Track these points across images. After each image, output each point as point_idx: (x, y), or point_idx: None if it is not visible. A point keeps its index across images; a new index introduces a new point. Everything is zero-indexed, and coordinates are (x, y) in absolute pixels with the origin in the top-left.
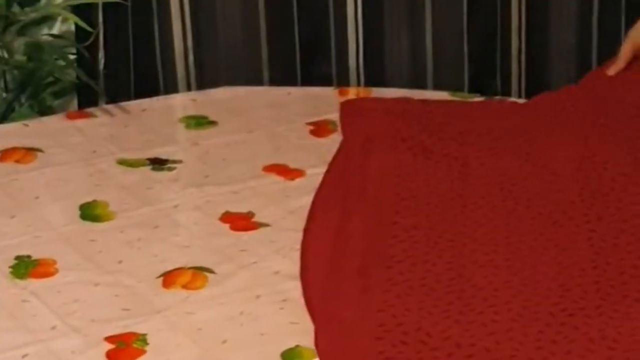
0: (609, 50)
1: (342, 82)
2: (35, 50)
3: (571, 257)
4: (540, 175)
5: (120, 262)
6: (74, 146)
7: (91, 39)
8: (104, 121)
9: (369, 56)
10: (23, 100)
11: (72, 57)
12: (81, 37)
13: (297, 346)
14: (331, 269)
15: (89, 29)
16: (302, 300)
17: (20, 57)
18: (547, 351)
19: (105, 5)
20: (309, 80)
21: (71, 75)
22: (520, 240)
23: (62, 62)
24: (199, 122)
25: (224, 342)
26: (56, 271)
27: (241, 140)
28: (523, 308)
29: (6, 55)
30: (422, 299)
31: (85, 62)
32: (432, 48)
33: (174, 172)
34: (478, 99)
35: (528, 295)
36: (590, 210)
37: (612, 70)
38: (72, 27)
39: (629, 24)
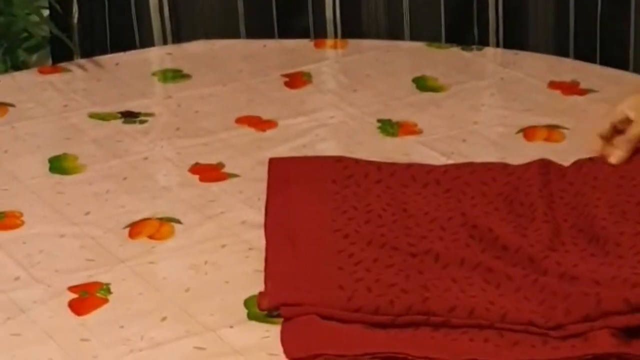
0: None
1: (319, 34)
2: (6, 4)
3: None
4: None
5: (87, 213)
6: (46, 101)
7: None
8: (77, 76)
9: (346, 8)
10: None
11: (45, 12)
12: None
13: (260, 293)
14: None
15: None
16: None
17: None
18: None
19: None
20: (286, 32)
21: (45, 30)
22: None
23: (35, 18)
24: (174, 75)
25: (187, 290)
26: (22, 223)
27: (215, 93)
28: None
29: None
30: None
31: (59, 17)
32: None
33: (145, 124)
34: (455, 48)
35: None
36: None
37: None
38: None
39: None
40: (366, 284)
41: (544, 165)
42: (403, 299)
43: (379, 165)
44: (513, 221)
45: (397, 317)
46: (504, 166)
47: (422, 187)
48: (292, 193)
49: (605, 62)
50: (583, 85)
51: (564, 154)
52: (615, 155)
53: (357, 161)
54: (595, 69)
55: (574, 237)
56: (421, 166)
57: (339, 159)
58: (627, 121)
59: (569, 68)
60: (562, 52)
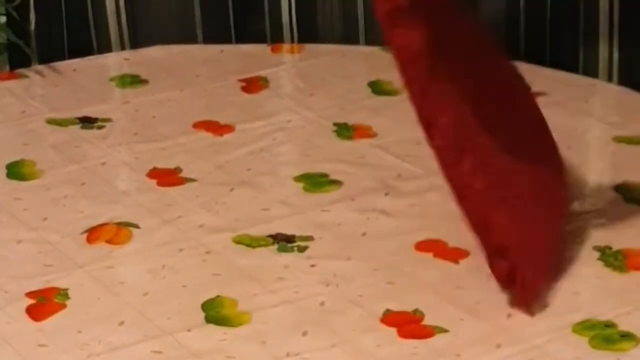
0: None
1: (276, 38)
2: None
3: None
4: None
5: (45, 219)
6: (4, 107)
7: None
8: (34, 82)
9: (302, 12)
10: None
11: (1, 18)
12: None
13: (217, 296)
14: None
15: None
16: (224, 253)
17: None
18: None
19: None
20: (242, 37)
21: (2, 37)
22: None
23: None
24: (131, 81)
25: (145, 294)
26: None
27: (172, 98)
28: None
29: None
30: None
31: (16, 23)
32: (363, 4)
33: (103, 130)
34: None
35: None
36: None
37: None
38: None
39: None
40: None
41: None
42: None
43: None
44: None
45: None
46: None
47: None
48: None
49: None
50: (534, 89)
51: None
52: None
53: None
54: (545, 71)
55: None
56: None
57: None
58: None
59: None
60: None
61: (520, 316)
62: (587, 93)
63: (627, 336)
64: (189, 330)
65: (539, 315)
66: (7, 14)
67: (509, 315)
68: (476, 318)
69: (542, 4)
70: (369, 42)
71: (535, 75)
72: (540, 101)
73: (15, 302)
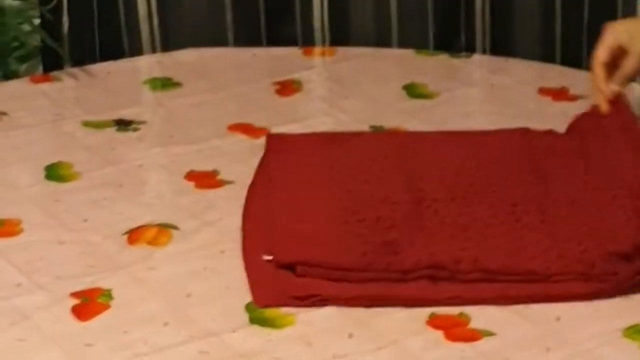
0: (573, 5)
1: (307, 42)
2: None
3: None
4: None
5: (85, 220)
6: (39, 109)
7: (54, 2)
8: (68, 84)
9: (334, 15)
10: None
11: (36, 21)
12: (45, 0)
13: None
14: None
15: None
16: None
17: None
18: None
19: None
20: (273, 41)
21: (36, 39)
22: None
23: (27, 27)
24: (164, 83)
25: (188, 295)
26: (21, 230)
27: (206, 101)
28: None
29: None
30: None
31: (50, 26)
32: (396, 5)
33: (138, 132)
34: (443, 55)
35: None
36: None
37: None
38: None
39: None
40: (371, 247)
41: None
42: (412, 256)
43: (374, 135)
44: (501, 179)
45: (406, 274)
46: (485, 133)
47: (419, 150)
48: (292, 166)
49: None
50: (572, 92)
51: None
52: (609, 92)
53: (347, 138)
54: (583, 74)
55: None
56: (417, 134)
57: (332, 139)
58: (620, 51)
59: (556, 74)
60: (548, 58)
61: (569, 319)
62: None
63: None
64: (233, 331)
65: (589, 318)
66: (41, 16)
67: (557, 319)
68: (524, 321)
69: (579, 6)
70: (401, 44)
71: (574, 79)
72: (579, 105)
73: (60, 302)
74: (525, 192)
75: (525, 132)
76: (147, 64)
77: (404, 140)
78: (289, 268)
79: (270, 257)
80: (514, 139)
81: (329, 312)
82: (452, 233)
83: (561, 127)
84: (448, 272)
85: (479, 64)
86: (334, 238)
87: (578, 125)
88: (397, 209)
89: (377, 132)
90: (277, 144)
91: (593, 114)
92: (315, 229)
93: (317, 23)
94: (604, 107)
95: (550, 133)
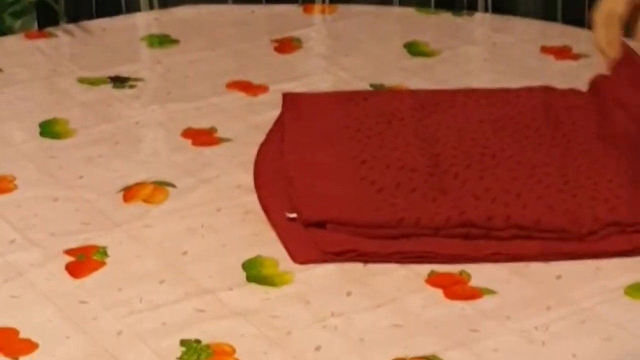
0: None
1: None
2: None
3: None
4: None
5: (80, 177)
6: (34, 66)
7: None
8: (64, 41)
9: None
10: None
11: None
12: None
13: (258, 256)
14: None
15: None
16: (263, 213)
17: None
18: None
19: None
20: None
21: None
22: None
23: None
24: (161, 40)
25: (185, 253)
26: (15, 187)
27: (204, 58)
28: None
29: None
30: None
31: None
32: None
33: (135, 89)
34: (445, 13)
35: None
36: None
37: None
38: None
39: None
40: (399, 206)
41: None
42: (441, 213)
43: (391, 95)
44: (519, 141)
45: (437, 230)
46: (507, 91)
47: (437, 110)
48: (306, 125)
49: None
50: (575, 50)
51: None
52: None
53: (365, 97)
54: (585, 33)
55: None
56: (436, 92)
57: (349, 98)
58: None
59: (558, 33)
60: (550, 16)
61: (570, 278)
62: None
63: None
64: (230, 289)
65: (590, 277)
66: None
67: (558, 277)
68: (525, 279)
69: None
70: (403, 2)
71: (577, 37)
72: (582, 63)
73: (55, 259)
74: (546, 153)
75: (546, 90)
76: (145, 20)
77: (421, 99)
78: (317, 226)
79: (294, 215)
80: (535, 97)
81: (327, 270)
82: (476, 195)
83: (563, 86)
84: (481, 229)
85: (481, 22)
86: (359, 198)
87: (600, 83)
88: (415, 177)
89: (394, 91)
90: (292, 103)
91: (615, 71)
92: (338, 189)
93: None
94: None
95: (572, 91)
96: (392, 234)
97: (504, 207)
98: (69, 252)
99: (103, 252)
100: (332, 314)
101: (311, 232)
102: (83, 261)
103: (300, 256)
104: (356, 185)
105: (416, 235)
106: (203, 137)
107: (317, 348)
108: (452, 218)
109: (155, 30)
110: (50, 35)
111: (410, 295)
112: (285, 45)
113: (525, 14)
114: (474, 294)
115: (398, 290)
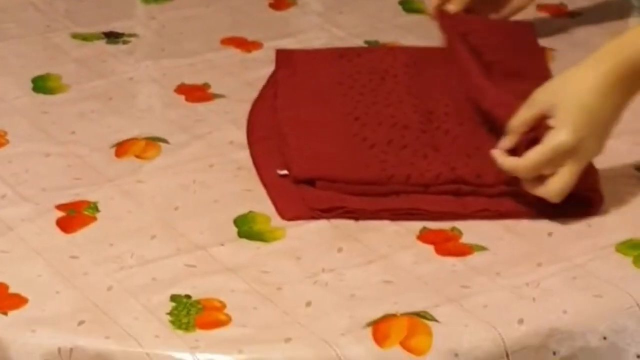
0: None
1: None
2: None
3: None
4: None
5: (72, 132)
6: (27, 21)
7: None
8: None
9: None
10: None
11: None
12: None
13: (250, 212)
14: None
15: None
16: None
17: None
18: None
19: None
20: None
21: None
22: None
23: None
24: None
25: (176, 209)
26: (7, 142)
27: (199, 15)
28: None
29: None
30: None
31: None
32: None
33: (129, 45)
34: None
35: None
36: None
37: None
38: None
39: None
40: (390, 163)
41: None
42: (432, 170)
43: (384, 51)
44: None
45: (427, 187)
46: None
47: (425, 69)
48: (300, 82)
49: None
50: (570, 8)
51: (553, 74)
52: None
53: (359, 54)
54: None
55: None
56: (424, 49)
57: (342, 54)
58: None
59: None
60: None
61: (561, 235)
62: (622, 11)
63: None
64: (222, 245)
65: (581, 234)
66: None
67: (550, 234)
68: (516, 236)
69: None
70: None
71: None
72: (579, 21)
73: (46, 214)
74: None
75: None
76: None
77: (415, 56)
78: (307, 183)
79: (285, 172)
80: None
81: (318, 226)
82: (467, 152)
83: (558, 43)
84: (471, 186)
85: None
86: (350, 155)
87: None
88: (407, 134)
89: (388, 48)
90: (285, 60)
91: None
92: (330, 147)
93: None
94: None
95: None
96: (381, 190)
97: (494, 165)
98: (60, 207)
99: (94, 207)
100: (323, 270)
101: (301, 189)
102: (74, 216)
103: (289, 213)
104: (348, 142)
105: (406, 192)
106: (196, 93)
107: (308, 303)
108: (443, 174)
109: None
110: None
111: (402, 251)
112: (280, 2)
113: None
114: (465, 250)
115: (389, 246)
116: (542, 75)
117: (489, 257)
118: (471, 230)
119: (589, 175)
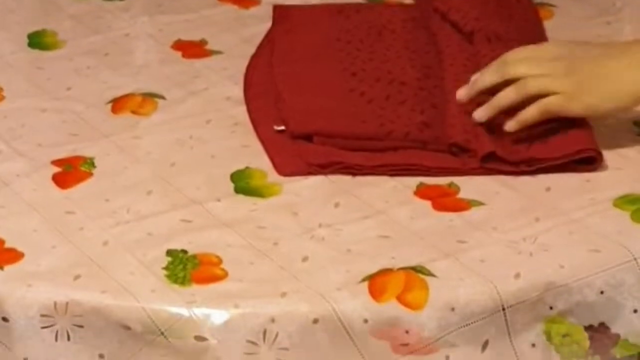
0: None
1: None
2: None
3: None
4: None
5: (68, 88)
6: None
7: None
8: None
9: None
10: None
11: None
12: None
13: (246, 167)
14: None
15: None
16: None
17: None
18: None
19: None
20: None
21: None
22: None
23: None
24: None
25: (173, 164)
26: (2, 98)
27: None
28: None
29: None
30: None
31: None
32: None
33: (125, 1)
34: None
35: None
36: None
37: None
38: None
39: None
40: (388, 118)
41: None
42: (428, 130)
43: (383, 7)
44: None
45: (425, 144)
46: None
47: (423, 25)
48: (296, 38)
49: None
50: None
51: (553, 30)
52: None
53: (357, 10)
54: None
55: None
56: (419, 6)
57: (340, 10)
58: None
59: None
60: None
61: (559, 190)
62: None
63: None
64: (218, 200)
65: (579, 189)
66: None
67: (547, 189)
68: (514, 191)
69: None
70: None
71: None
72: None
73: (41, 170)
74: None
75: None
76: None
77: (413, 12)
78: (304, 138)
79: (282, 128)
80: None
81: (315, 182)
82: (466, 109)
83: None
84: (467, 152)
85: None
86: (348, 110)
87: None
88: (405, 90)
89: (386, 4)
90: (282, 16)
91: None
92: (327, 102)
93: None
94: None
95: None
96: (379, 146)
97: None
98: (55, 162)
99: (90, 163)
100: (320, 225)
101: (298, 144)
102: (70, 172)
103: (285, 168)
104: (345, 97)
105: (403, 147)
106: (193, 49)
107: (304, 259)
108: (440, 139)
109: None
110: None
111: (399, 206)
112: None
113: None
114: (463, 205)
115: (386, 201)
116: (531, 36)
117: (486, 212)
118: (469, 185)
119: (585, 132)
